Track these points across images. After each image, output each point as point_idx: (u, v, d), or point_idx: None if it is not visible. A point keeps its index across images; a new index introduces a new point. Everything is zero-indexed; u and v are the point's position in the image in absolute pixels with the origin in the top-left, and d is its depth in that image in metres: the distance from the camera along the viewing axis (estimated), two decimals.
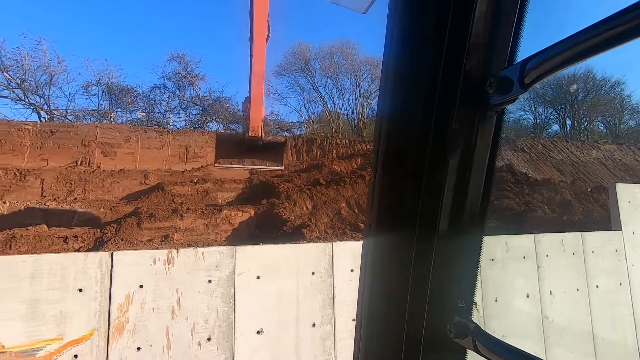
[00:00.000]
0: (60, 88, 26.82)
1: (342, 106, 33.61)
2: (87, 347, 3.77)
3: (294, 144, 22.71)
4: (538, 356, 0.75)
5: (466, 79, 0.87)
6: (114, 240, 11.94)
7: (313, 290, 4.83)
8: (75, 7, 37.73)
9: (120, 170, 17.70)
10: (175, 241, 12.57)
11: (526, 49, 0.83)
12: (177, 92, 29.21)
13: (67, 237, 12.09)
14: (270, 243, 6.01)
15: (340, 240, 10.26)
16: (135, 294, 4.02)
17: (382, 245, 1.01)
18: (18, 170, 15.99)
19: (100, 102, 27.21)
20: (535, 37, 0.87)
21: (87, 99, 32.42)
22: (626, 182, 15.90)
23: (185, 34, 43.85)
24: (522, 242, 6.39)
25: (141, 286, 4.06)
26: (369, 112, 31.58)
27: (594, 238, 6.92)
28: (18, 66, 24.01)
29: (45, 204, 14.28)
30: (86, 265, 3.87)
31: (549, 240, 6.50)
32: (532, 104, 35.72)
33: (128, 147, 19.19)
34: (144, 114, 27.72)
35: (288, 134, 28.12)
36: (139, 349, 3.97)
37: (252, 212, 14.74)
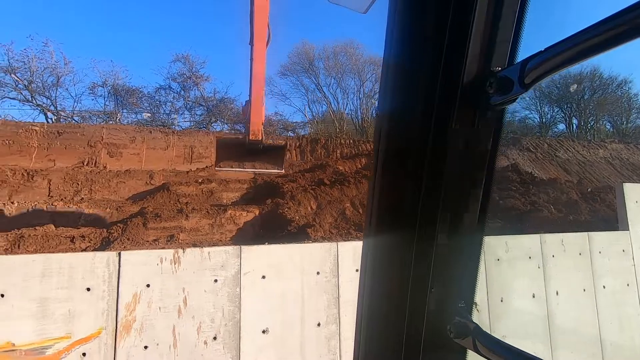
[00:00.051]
0: (67, 89, 27.12)
1: (346, 106, 33.63)
2: (95, 345, 3.81)
3: (298, 144, 22.74)
4: (539, 356, 0.74)
5: (466, 79, 0.87)
6: (120, 240, 12.04)
7: (318, 290, 4.84)
8: (81, 9, 38.11)
9: (126, 170, 17.83)
10: (180, 241, 12.65)
11: (526, 48, 0.83)
12: (182, 92, 29.37)
13: (74, 237, 12.22)
14: (275, 243, 6.04)
15: (345, 240, 10.27)
16: (142, 293, 4.06)
17: (382, 246, 1.00)
18: (26, 170, 16.17)
19: (106, 103, 27.45)
20: (535, 37, 0.87)
21: (93, 100, 32.65)
22: (634, 182, 15.73)
23: (190, 34, 44.13)
24: (528, 242, 6.35)
25: (148, 285, 4.10)
26: (373, 112, 31.54)
27: (600, 238, 6.86)
28: (25, 68, 24.30)
29: (52, 204, 14.43)
30: (94, 264, 3.92)
31: (555, 241, 6.46)
32: (538, 103, 35.49)
33: (134, 147, 19.33)
34: (149, 114, 27.90)
35: (292, 134, 28.15)
36: (146, 347, 4.01)
37: (257, 212, 14.79)
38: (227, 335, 4.34)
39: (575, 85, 33.07)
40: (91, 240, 12.26)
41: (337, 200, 15.45)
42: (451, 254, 0.94)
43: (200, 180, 17.19)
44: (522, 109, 34.84)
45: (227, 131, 25.40)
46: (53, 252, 10.49)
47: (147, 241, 12.26)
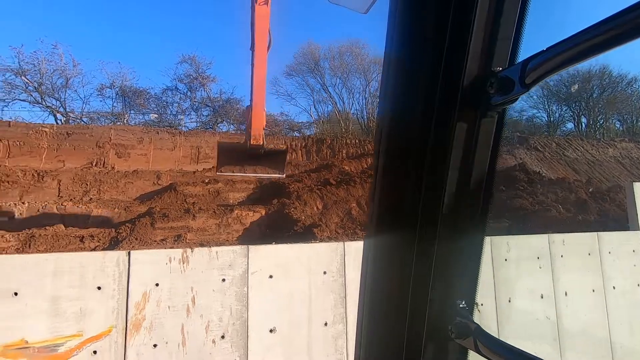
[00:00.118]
0: (76, 91, 27.57)
1: (351, 106, 33.60)
2: (105, 343, 3.86)
3: (303, 144, 22.77)
4: (545, 358, 0.75)
5: (467, 79, 0.86)
6: (129, 240, 12.17)
7: (325, 290, 4.85)
8: (89, 11, 38.56)
9: (134, 171, 18.01)
10: (187, 241, 12.75)
11: (527, 49, 0.82)
12: (189, 93, 29.63)
13: (83, 237, 12.37)
14: (282, 243, 6.07)
15: (351, 240, 10.28)
16: (151, 292, 4.10)
17: (383, 246, 1.00)
18: (36, 171, 16.42)
19: (114, 104, 27.78)
20: (536, 37, 0.86)
21: (101, 101, 33.14)
22: None
23: (196, 35, 44.44)
24: (536, 242, 6.29)
25: (157, 284, 4.14)
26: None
27: (610, 238, 6.77)
28: (35, 70, 24.70)
29: (62, 205, 14.62)
30: (104, 263, 3.97)
31: (564, 240, 6.40)
32: (546, 102, 35.11)
33: (141, 148, 19.52)
34: (156, 115, 28.16)
35: (298, 134, 28.20)
36: (155, 345, 4.05)
37: (263, 212, 14.84)
38: (235, 334, 4.38)
39: (576, 85, 32.60)
40: (100, 240, 12.41)
41: (343, 200, 15.45)
42: (452, 254, 0.94)
43: (206, 181, 17.30)
44: (529, 108, 34.50)
45: (233, 131, 25.52)
46: (63, 252, 10.65)
47: (155, 241, 12.38)
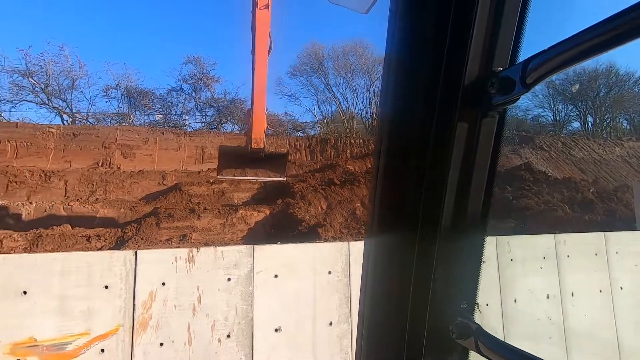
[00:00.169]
0: (82, 92, 27.79)
1: (355, 106, 33.59)
2: (112, 342, 3.90)
3: (308, 144, 22.79)
4: (549, 359, 0.76)
5: (468, 79, 0.86)
6: (134, 240, 12.27)
7: (330, 289, 4.86)
8: (96, 13, 38.90)
9: (139, 171, 18.14)
10: (192, 240, 12.82)
11: (528, 48, 0.82)
12: (193, 94, 29.79)
13: (89, 237, 12.49)
14: (287, 242, 6.09)
15: (356, 240, 10.28)
16: (158, 291, 4.14)
17: (383, 246, 1.00)
18: (43, 171, 16.59)
19: (120, 105, 28.01)
20: (537, 37, 0.86)
21: (107, 102, 33.45)
22: None
23: (201, 36, 44.65)
24: (542, 242, 6.25)
25: (163, 284, 4.17)
26: None
27: (617, 238, 6.71)
28: (42, 71, 24.98)
29: (68, 205, 14.77)
30: (111, 263, 4.01)
31: (570, 240, 6.35)
32: (552, 101, 34.84)
33: (146, 148, 19.64)
34: (161, 116, 28.34)
35: (302, 134, 28.24)
36: (161, 344, 4.09)
37: (268, 212, 14.89)
38: (240, 333, 4.40)
39: (577, 85, 32.29)
40: (106, 239, 12.52)
41: (348, 200, 15.45)
42: (453, 254, 0.93)
43: (211, 181, 17.38)
44: (535, 107, 34.27)
45: (238, 132, 25.59)
46: (70, 251, 10.75)
47: (161, 241, 12.46)
